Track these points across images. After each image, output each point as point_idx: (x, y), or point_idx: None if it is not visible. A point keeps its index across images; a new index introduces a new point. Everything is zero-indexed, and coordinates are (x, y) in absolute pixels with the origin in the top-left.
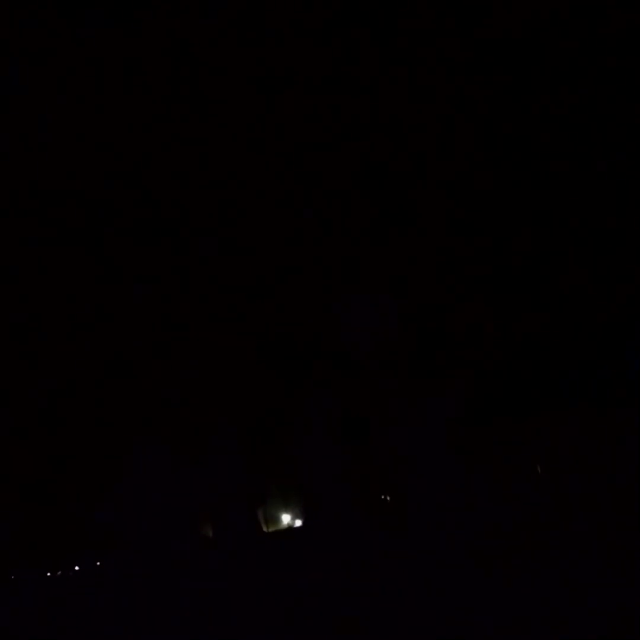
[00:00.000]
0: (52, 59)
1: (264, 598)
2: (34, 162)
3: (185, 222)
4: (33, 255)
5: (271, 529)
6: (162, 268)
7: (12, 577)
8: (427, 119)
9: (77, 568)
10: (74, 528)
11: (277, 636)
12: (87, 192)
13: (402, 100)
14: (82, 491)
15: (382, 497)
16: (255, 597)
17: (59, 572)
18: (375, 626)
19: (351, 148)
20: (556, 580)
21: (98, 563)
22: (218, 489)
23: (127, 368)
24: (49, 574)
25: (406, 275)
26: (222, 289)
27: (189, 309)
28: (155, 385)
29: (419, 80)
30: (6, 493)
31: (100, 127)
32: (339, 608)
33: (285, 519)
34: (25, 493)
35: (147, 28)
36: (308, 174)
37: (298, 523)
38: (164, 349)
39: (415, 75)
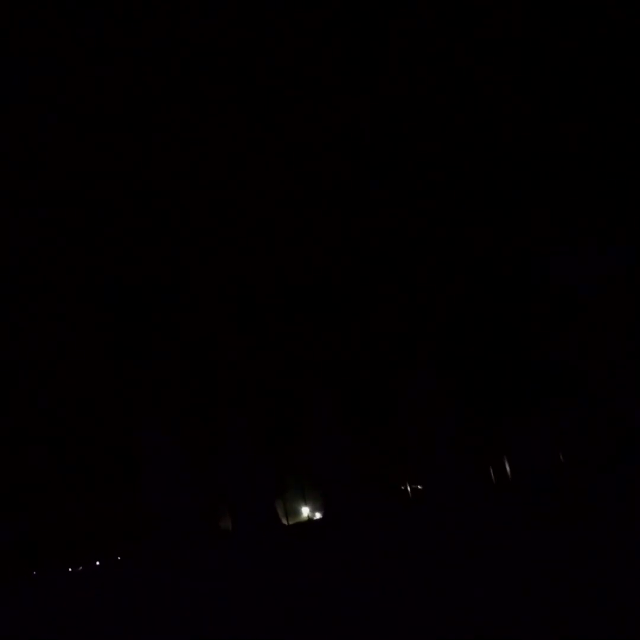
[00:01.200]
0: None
1: (284, 590)
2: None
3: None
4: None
5: (291, 522)
6: (177, 259)
7: (35, 573)
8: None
9: (97, 563)
10: (92, 523)
11: (298, 627)
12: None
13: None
14: (100, 484)
15: (402, 487)
16: (275, 589)
17: (80, 568)
18: (397, 618)
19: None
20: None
21: (118, 558)
22: (237, 482)
23: (144, 362)
24: (70, 569)
25: None
26: (232, 288)
27: (206, 305)
28: (173, 379)
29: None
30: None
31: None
32: (359, 600)
33: (305, 511)
34: (44, 488)
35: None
36: None
37: (317, 516)
38: (179, 340)
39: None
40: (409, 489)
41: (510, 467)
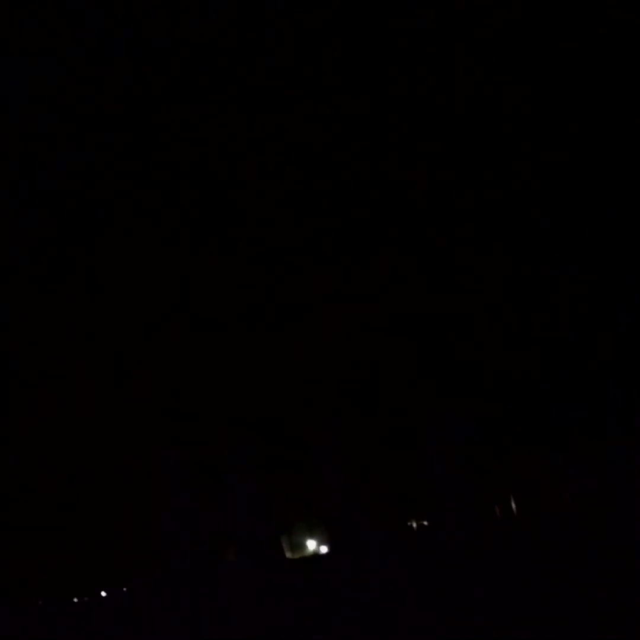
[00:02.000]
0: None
1: (288, 625)
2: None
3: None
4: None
5: (296, 556)
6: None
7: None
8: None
9: (103, 594)
10: (94, 553)
11: None
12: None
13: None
14: (101, 516)
15: (408, 523)
16: (279, 624)
17: (85, 598)
18: None
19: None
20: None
21: (124, 589)
22: (241, 514)
23: (148, 389)
24: (75, 599)
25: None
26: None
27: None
28: (175, 408)
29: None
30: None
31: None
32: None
33: (311, 545)
34: (44, 516)
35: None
36: None
37: (323, 550)
38: (182, 369)
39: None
40: (414, 524)
41: (515, 504)
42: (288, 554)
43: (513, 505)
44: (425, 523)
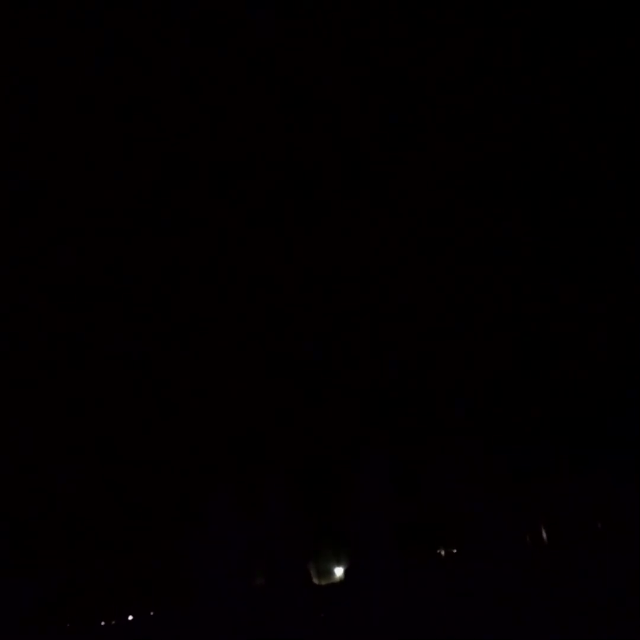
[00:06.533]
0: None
1: None
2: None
3: None
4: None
5: (323, 582)
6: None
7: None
8: None
9: (130, 617)
10: (129, 577)
11: None
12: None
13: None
14: (140, 543)
15: (436, 551)
16: None
17: (113, 622)
18: None
19: None
20: None
21: (151, 613)
22: (270, 540)
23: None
24: (102, 623)
25: None
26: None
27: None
28: (207, 437)
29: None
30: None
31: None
32: None
33: (338, 572)
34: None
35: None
36: None
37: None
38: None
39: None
40: (443, 552)
41: (546, 532)
42: (315, 581)
43: (543, 533)
44: (454, 551)
